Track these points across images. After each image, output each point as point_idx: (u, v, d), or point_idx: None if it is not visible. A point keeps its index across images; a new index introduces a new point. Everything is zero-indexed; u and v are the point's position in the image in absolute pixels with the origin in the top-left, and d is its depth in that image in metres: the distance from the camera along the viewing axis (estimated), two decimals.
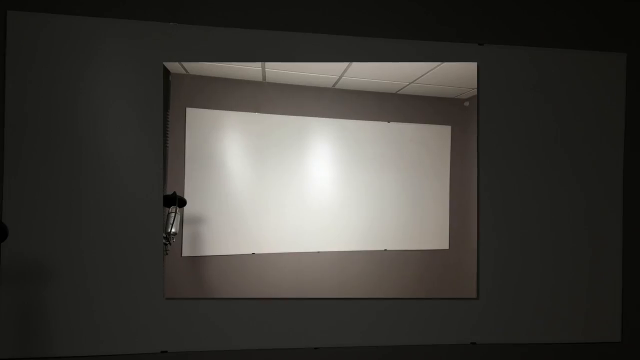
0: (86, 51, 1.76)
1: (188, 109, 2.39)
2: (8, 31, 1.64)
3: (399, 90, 2.76)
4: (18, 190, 1.73)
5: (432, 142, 2.98)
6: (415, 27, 2.06)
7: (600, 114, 1.95)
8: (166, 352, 1.89)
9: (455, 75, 2.49)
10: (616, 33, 1.93)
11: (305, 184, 2.67)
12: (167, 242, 2.13)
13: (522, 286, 2.09)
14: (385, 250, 2.87)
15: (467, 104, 2.88)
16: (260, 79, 2.51)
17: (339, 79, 2.55)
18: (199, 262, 2.45)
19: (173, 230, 2.13)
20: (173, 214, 2.12)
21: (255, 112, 2.52)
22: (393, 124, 2.87)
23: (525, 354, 1.99)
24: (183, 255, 2.39)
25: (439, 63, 2.34)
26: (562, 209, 2.07)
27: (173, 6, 1.93)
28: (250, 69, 2.35)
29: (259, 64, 2.26)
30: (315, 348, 1.97)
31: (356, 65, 2.34)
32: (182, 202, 2.22)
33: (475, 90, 2.58)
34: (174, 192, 2.19)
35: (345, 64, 2.32)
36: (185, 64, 2.26)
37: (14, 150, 1.72)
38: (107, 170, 1.89)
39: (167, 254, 2.17)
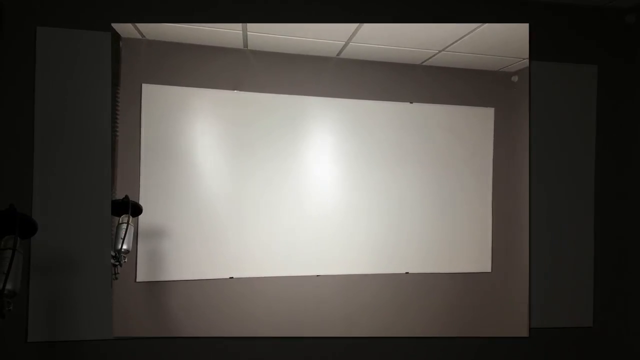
0: (105, 62, 2.05)
1: (144, 86, 2.29)
2: (37, 45, 2.00)
3: (424, 61, 2.59)
4: (46, 189, 1.98)
5: (469, 129, 2.75)
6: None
7: (575, 119, 2.40)
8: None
9: (499, 40, 2.23)
10: (588, 47, 2.42)
11: (301, 185, 2.48)
12: (117, 263, 1.97)
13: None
14: (407, 273, 2.66)
15: (515, 78, 2.79)
16: (240, 45, 2.36)
17: (345, 46, 2.36)
18: (158, 289, 2.32)
19: (124, 247, 1.95)
20: (124, 226, 1.95)
21: (234, 89, 2.39)
22: (417, 106, 2.65)
23: (510, 337, 2.41)
24: (138, 280, 2.28)
25: (478, 25, 2.07)
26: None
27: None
28: (227, 33, 2.19)
29: (239, 25, 2.07)
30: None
31: (368, 27, 2.10)
32: (136, 210, 2.08)
33: (527, 61, 2.43)
34: (126, 196, 2.04)
35: (354, 25, 2.08)
36: (140, 26, 2.12)
37: (43, 153, 1.99)
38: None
39: (116, 278, 2.02)
